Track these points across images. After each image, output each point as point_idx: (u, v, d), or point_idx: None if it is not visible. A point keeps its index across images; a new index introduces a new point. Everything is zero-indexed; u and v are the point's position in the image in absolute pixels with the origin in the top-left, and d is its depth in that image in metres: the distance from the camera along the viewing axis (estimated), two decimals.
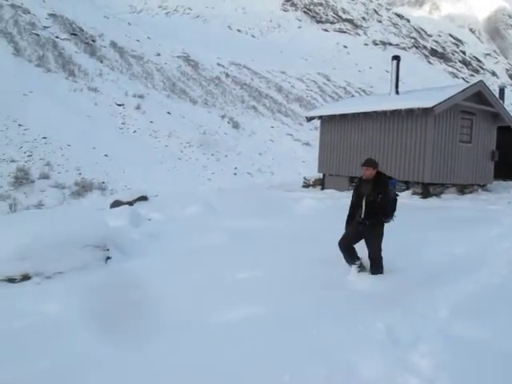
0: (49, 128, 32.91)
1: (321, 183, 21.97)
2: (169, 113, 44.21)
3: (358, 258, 6.19)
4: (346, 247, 6.18)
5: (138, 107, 42.41)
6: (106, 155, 32.60)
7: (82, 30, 58.06)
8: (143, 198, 17.79)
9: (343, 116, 19.72)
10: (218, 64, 69.99)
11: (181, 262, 7.72)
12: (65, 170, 29.52)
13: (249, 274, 6.59)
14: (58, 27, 55.72)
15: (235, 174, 36.26)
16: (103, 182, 28.80)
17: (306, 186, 22.81)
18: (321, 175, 22.13)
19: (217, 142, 41.50)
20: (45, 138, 32.27)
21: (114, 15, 78.75)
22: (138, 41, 65.17)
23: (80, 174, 29.39)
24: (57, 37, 52.87)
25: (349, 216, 6.36)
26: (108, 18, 71.10)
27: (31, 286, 7.04)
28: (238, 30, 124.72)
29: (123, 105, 42.23)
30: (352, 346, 3.90)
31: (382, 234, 6.03)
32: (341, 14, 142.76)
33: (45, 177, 27.75)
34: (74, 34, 55.79)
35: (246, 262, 7.37)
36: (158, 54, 62.74)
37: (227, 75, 66.17)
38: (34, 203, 24.31)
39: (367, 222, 5.90)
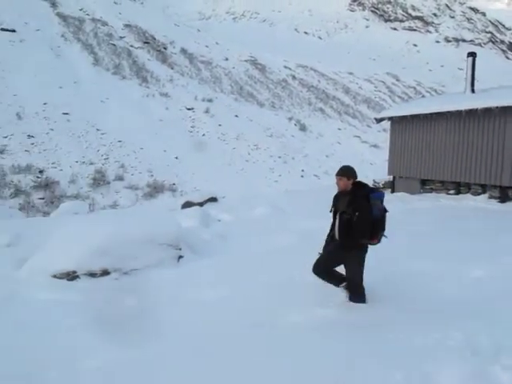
0: (123, 132, 34.57)
1: (391, 186, 21.42)
2: (236, 116, 44.94)
3: (344, 279, 5.12)
4: (324, 272, 5.13)
5: (206, 111, 43.47)
6: (176, 158, 33.71)
7: (155, 39, 60.46)
8: (213, 200, 18.20)
9: (415, 116, 19.11)
10: (285, 67, 70.22)
11: (250, 263, 7.80)
12: (138, 172, 30.85)
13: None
14: (133, 37, 58.41)
15: (302, 176, 36.20)
16: (173, 184, 29.78)
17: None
18: (391, 177, 21.59)
19: (284, 145, 41.64)
20: (120, 141, 33.96)
21: (184, 23, 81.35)
22: (206, 46, 66.81)
23: (152, 175, 30.58)
24: (131, 46, 55.44)
25: (328, 235, 5.24)
26: (178, 26, 73.52)
27: (110, 280, 7.43)
28: (305, 33, 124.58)
29: (193, 109, 43.47)
30: (429, 355, 3.78)
31: (362, 259, 4.89)
32: (410, 11, 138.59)
33: (119, 178, 29.17)
34: (147, 43, 58.21)
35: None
36: (226, 59, 63.98)
37: (294, 77, 66.23)
38: (110, 203, 25.61)
39: (344, 245, 4.85)
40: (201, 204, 16.77)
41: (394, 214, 12.17)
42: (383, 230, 4.87)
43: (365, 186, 4.92)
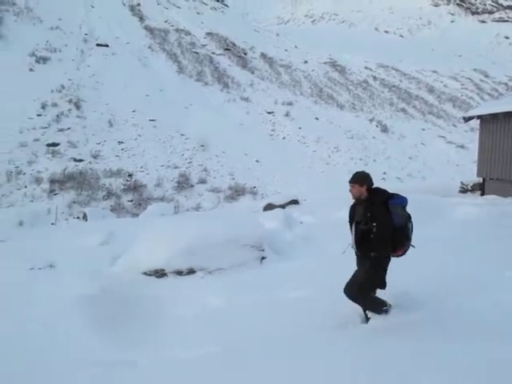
0: (206, 136, 35.66)
1: (480, 188, 20.26)
2: (317, 118, 44.75)
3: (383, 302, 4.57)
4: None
5: (286, 114, 43.68)
6: (257, 161, 34.19)
7: (235, 45, 61.84)
8: (294, 202, 18.33)
9: (507, 114, 17.97)
10: (366, 67, 68.83)
11: (333, 264, 7.77)
12: (220, 175, 31.67)
13: (402, 278, 6.37)
14: (214, 44, 60.19)
15: (383, 178, 35.21)
16: (254, 187, 30.22)
17: (464, 191, 21.20)
18: (480, 179, 20.42)
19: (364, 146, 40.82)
20: (202, 145, 35.08)
21: (264, 28, 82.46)
22: (286, 50, 67.21)
23: (233, 178, 31.26)
24: (213, 53, 57.14)
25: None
26: (258, 32, 74.67)
27: (196, 279, 7.73)
28: (386, 31, 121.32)
29: (273, 112, 43.88)
30: None
31: (379, 267, 4.36)
32: (501, 1, 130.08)
33: (202, 181, 30.12)
34: (228, 49, 59.67)
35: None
36: (306, 62, 63.93)
37: (375, 78, 64.72)
38: (193, 205, 26.53)
39: (370, 256, 4.34)
40: (282, 206, 16.94)
41: (483, 217, 11.56)
42: (408, 239, 4.35)
43: (383, 192, 4.48)
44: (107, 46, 50.89)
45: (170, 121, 37.50)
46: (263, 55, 61.14)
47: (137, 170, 30.81)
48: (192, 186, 29.64)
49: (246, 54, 60.34)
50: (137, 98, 40.11)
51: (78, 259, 9.31)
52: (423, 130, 48.61)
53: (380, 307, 4.50)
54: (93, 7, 62.54)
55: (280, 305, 4.69)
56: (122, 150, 33.31)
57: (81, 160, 30.80)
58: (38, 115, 35.62)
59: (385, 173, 36.31)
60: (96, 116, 36.89)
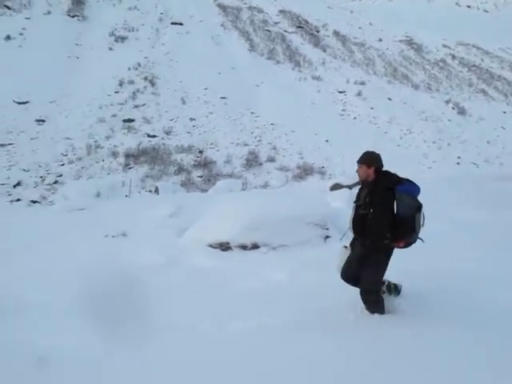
0: (276, 115, 35.66)
1: None
2: (389, 99, 43.29)
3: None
4: (352, 279, 4.40)
5: (358, 94, 42.61)
6: (326, 141, 33.79)
7: (307, 22, 60.78)
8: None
9: None
10: (444, 45, 65.30)
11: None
12: (289, 154, 31.65)
13: (476, 266, 6.16)
14: (287, 22, 59.49)
15: (458, 163, 33.60)
16: (323, 167, 29.96)
17: None
18: None
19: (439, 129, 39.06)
20: (272, 124, 35.13)
21: (337, 5, 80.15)
22: (359, 28, 65.17)
23: (302, 158, 31.12)
24: (285, 31, 56.53)
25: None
26: (331, 9, 72.80)
27: (259, 254, 7.89)
28: (468, 6, 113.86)
29: (344, 92, 42.97)
30: None
31: (380, 263, 4.12)
32: None
33: (271, 160, 30.25)
34: (300, 27, 58.79)
35: (469, 254, 6.89)
36: (380, 40, 61.72)
37: (453, 57, 61.31)
38: (261, 183, 26.76)
39: (365, 244, 4.12)
40: (349, 187, 16.72)
41: None
42: (414, 232, 4.04)
43: (392, 176, 4.16)
44: (181, 24, 51.81)
45: (241, 99, 37.80)
46: (336, 33, 59.69)
47: (207, 146, 31.48)
48: (261, 164, 29.87)
49: (318, 31, 59.19)
50: (209, 76, 40.71)
51: (148, 229, 9.76)
52: (504, 112, 45.60)
53: (382, 308, 4.29)
54: None
55: (342, 283, 4.69)
56: (194, 126, 34.10)
57: (154, 136, 31.93)
58: (116, 92, 37.20)
59: (459, 157, 34.65)
60: (169, 93, 37.93)
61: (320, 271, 5.95)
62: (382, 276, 4.24)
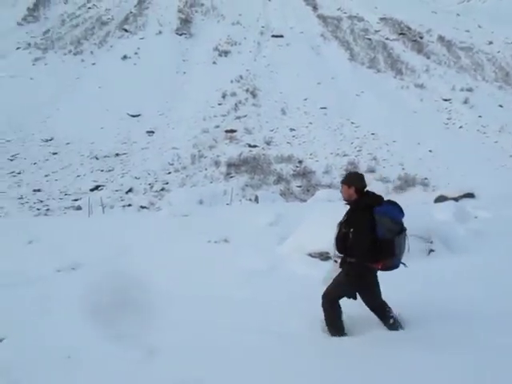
0: (377, 125, 35.04)
1: None
2: (501, 106, 40.58)
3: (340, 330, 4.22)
4: (376, 308, 4.23)
5: (465, 101, 40.47)
6: (430, 151, 32.50)
7: (410, 29, 59.00)
8: (469, 195, 17.15)
9: None
10: None
11: (508, 264, 7.23)
12: (389, 164, 30.90)
13: None
14: (388, 29, 58.27)
15: None
16: (425, 178, 28.82)
17: None
18: None
19: None
20: (373, 134, 34.57)
21: (442, 8, 76.77)
22: (467, 31, 61.92)
23: (403, 169, 30.21)
24: (386, 38, 55.41)
25: None
26: (436, 13, 69.93)
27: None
28: None
29: (450, 99, 41.05)
30: None
31: (348, 283, 3.98)
32: None
33: (371, 170, 29.73)
34: (402, 34, 57.24)
35: None
36: (490, 43, 58.11)
37: None
38: None
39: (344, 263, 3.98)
40: (456, 199, 16.00)
41: None
42: (394, 255, 3.85)
43: (373, 197, 3.98)
44: (282, 36, 52.88)
45: (341, 109, 37.69)
46: (441, 38, 57.23)
47: (306, 156, 31.74)
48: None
49: (421, 37, 57.19)
50: (309, 86, 41.10)
51: (249, 236, 10.03)
52: None
53: (335, 331, 4.16)
54: (269, 0, 65.30)
55: (441, 302, 4.54)
56: (293, 136, 34.59)
57: (255, 146, 32.86)
58: (219, 104, 38.89)
59: None
60: (270, 104, 38.88)
61: (424, 286, 5.81)
62: (341, 293, 4.12)
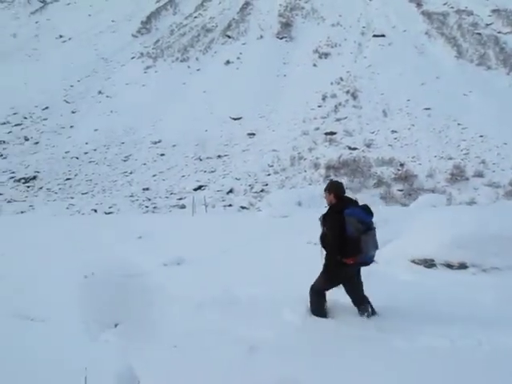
0: (486, 126, 32.97)
1: None
2: None
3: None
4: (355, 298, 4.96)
5: None
6: None
7: None
8: None
9: None
10: None
11: None
12: (500, 168, 28.95)
13: None
14: (501, 22, 54.35)
15: None
16: None
17: None
18: None
19: None
20: (481, 136, 32.57)
21: None
22: None
23: None
24: (499, 32, 51.74)
25: None
26: None
27: (467, 275, 7.52)
28: None
29: None
30: None
31: (323, 274, 4.70)
32: None
33: (479, 175, 28.08)
34: None
35: None
36: None
37: None
38: (467, 200, 25.03)
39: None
40: None
41: None
42: (361, 252, 4.43)
43: (345, 201, 4.65)
44: (383, 36, 51.62)
45: (446, 109, 35.95)
46: None
47: (408, 159, 30.77)
48: (467, 178, 27.96)
49: None
50: (411, 87, 39.76)
51: None
52: None
53: (319, 313, 4.84)
54: (371, 0, 63.96)
55: None
56: (395, 139, 33.69)
57: (355, 148, 32.53)
58: (319, 106, 39.00)
59: None
60: (371, 106, 38.21)
61: None
62: (324, 285, 4.78)
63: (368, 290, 5.95)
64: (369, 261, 4.67)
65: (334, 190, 4.80)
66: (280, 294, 5.73)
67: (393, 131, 34.51)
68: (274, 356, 4.07)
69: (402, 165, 29.95)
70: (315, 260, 5.71)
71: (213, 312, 5.37)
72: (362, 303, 4.87)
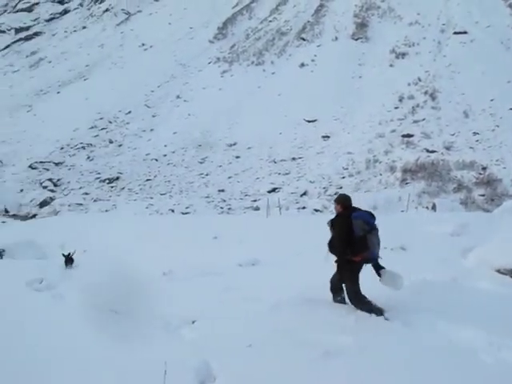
0: None
1: None
2: None
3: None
4: (332, 289, 5.55)
5: None
6: None
7: None
8: None
9: None
10: None
11: None
12: None
13: None
14: None
15: None
16: None
17: None
18: None
19: None
20: None
21: None
22: None
23: None
24: None
25: None
26: None
27: None
28: None
29: None
30: None
31: (349, 275, 5.20)
32: None
33: None
34: None
35: None
36: None
37: None
38: None
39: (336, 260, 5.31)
40: None
41: None
42: (367, 249, 5.00)
43: (351, 209, 5.25)
44: (465, 32, 49.35)
45: None
46: None
47: (492, 162, 29.32)
48: None
49: None
50: (496, 85, 37.74)
51: (427, 245, 9.74)
52: None
53: (374, 310, 5.06)
54: None
55: None
56: (477, 141, 32.24)
57: (433, 151, 31.50)
58: (395, 108, 38.14)
59: None
60: (451, 106, 36.78)
61: None
62: (354, 282, 5.19)
63: (449, 301, 5.77)
64: (374, 257, 5.22)
65: (342, 201, 5.47)
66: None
67: (474, 133, 33.00)
68: (350, 362, 4.03)
69: (484, 168, 28.59)
70: (391, 267, 5.68)
71: (287, 313, 5.39)
72: (337, 292, 5.51)
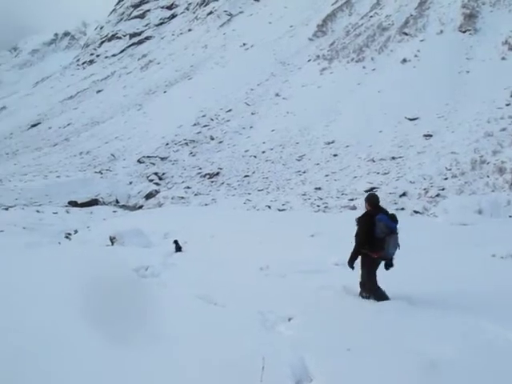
0: None
1: None
2: None
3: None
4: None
5: None
6: None
7: None
8: None
9: None
10: None
11: None
12: None
13: None
14: None
15: None
16: None
17: None
18: None
19: None
20: None
21: None
22: None
23: None
24: None
25: None
26: None
27: None
28: None
29: None
30: None
31: (366, 265, 6.02)
32: None
33: None
34: None
35: None
36: None
37: None
38: None
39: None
40: None
41: None
42: (383, 250, 5.65)
43: (378, 209, 5.89)
44: None
45: None
46: None
47: None
48: None
49: None
50: None
51: None
52: None
53: (384, 297, 5.93)
54: None
55: None
56: None
57: None
58: (507, 104, 35.65)
59: None
60: None
61: None
62: (370, 273, 5.99)
63: None
64: (389, 257, 5.83)
65: (370, 200, 6.08)
66: (452, 304, 5.70)
67: None
68: (458, 376, 3.81)
69: None
70: (502, 276, 5.51)
71: (389, 318, 5.29)
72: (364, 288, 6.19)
